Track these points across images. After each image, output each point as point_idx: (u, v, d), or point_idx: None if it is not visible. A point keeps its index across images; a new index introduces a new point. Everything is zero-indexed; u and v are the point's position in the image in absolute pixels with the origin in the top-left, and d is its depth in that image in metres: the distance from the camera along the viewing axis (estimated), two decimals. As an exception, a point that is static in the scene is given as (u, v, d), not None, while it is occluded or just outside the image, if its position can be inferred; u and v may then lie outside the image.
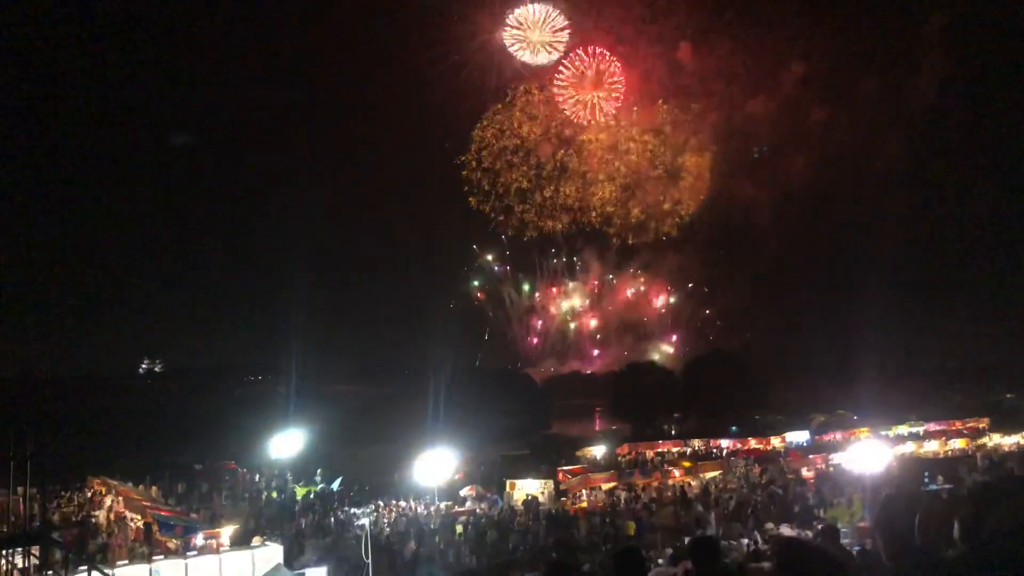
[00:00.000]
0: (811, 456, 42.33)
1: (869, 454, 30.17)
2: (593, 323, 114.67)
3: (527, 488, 36.36)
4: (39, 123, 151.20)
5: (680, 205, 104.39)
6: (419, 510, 32.75)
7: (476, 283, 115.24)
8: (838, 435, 48.17)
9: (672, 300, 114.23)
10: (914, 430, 49.03)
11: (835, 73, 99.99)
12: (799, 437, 50.25)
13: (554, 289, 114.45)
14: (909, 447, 43.82)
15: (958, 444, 45.46)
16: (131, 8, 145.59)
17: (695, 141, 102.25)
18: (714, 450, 48.95)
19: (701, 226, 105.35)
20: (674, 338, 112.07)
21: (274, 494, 36.90)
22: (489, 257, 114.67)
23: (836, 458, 39.86)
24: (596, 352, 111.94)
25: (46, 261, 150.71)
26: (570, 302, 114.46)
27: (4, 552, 10.09)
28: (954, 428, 49.25)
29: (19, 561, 9.86)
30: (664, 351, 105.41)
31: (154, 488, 36.41)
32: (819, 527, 18.80)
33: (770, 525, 26.57)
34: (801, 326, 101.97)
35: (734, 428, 56.45)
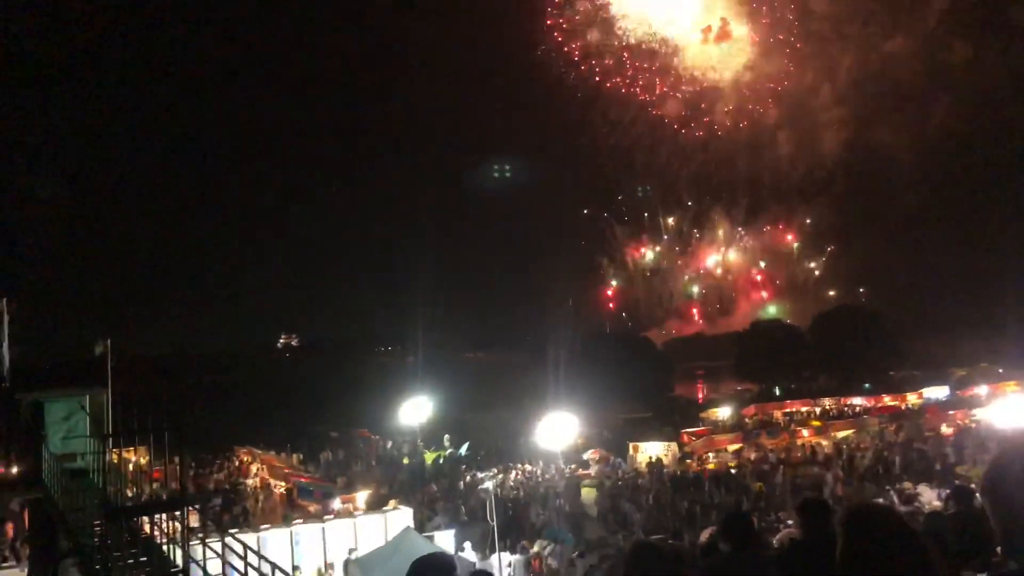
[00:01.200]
0: (951, 412, 40.17)
1: (1017, 409, 28.36)
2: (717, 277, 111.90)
3: (650, 450, 36.30)
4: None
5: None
6: (543, 473, 33.28)
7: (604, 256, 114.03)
8: (982, 389, 45.41)
9: (804, 255, 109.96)
10: (1068, 382, 45.67)
11: (979, 4, 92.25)
12: (938, 393, 47.72)
13: (677, 249, 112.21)
14: (1063, 401, 40.88)
15: (1117, 397, 42.04)
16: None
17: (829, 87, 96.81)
18: (846, 408, 47.22)
19: (836, 176, 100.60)
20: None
21: (405, 460, 38.32)
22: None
23: (979, 414, 37.68)
24: (718, 309, 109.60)
25: (186, 242, 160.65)
26: (694, 263, 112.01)
27: (155, 516, 11.03)
28: (1112, 380, 45.52)
29: (170, 526, 10.79)
30: (787, 308, 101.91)
31: (295, 456, 38.61)
32: (954, 487, 17.99)
33: (908, 484, 25.61)
34: (939, 276, 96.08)
35: (867, 385, 54.27)
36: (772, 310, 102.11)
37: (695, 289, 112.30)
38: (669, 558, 4.39)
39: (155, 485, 13.99)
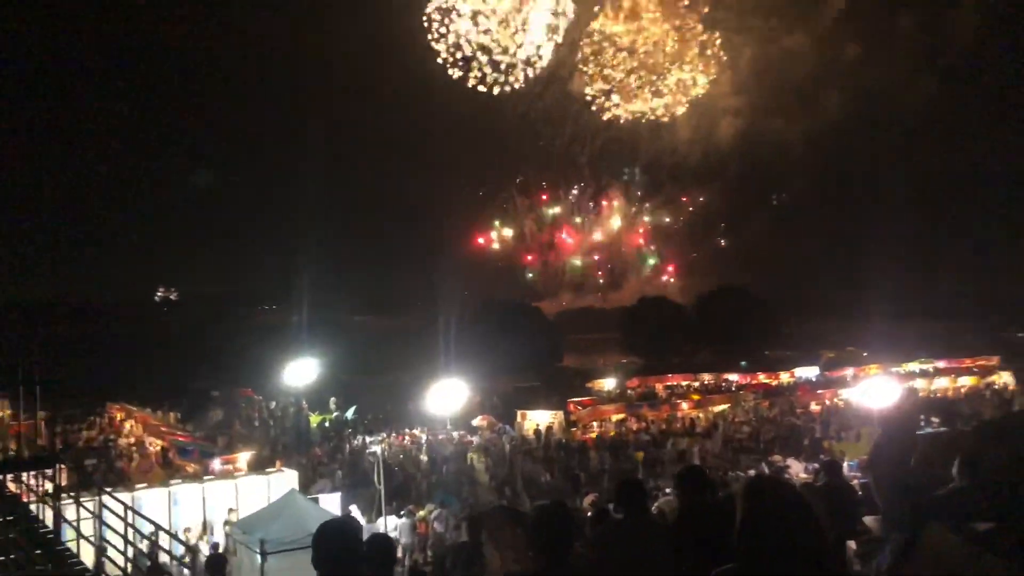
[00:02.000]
0: (820, 391, 42.57)
1: (878, 390, 30.30)
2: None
3: (537, 419, 36.84)
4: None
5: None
6: (431, 438, 33.28)
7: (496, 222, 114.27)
8: (848, 371, 48.27)
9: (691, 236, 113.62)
10: (924, 367, 49.05)
11: (874, 7, 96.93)
12: (809, 372, 50.45)
13: (577, 220, 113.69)
14: (919, 384, 43.89)
15: (968, 382, 45.48)
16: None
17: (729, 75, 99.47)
18: (724, 384, 49.26)
19: (729, 163, 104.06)
20: (669, 268, 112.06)
21: (289, 422, 37.51)
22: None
23: (845, 394, 40.08)
24: (605, 284, 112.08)
25: (61, 185, 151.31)
26: (588, 237, 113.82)
27: (23, 475, 10.34)
28: (964, 366, 49.18)
29: (34, 483, 10.13)
30: (675, 285, 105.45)
31: (172, 414, 37.11)
32: (822, 460, 19.09)
33: (777, 457, 27.01)
34: (813, 263, 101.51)
35: (744, 363, 56.69)
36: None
37: (577, 263, 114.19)
38: (567, 519, 4.40)
39: (14, 442, 13.15)
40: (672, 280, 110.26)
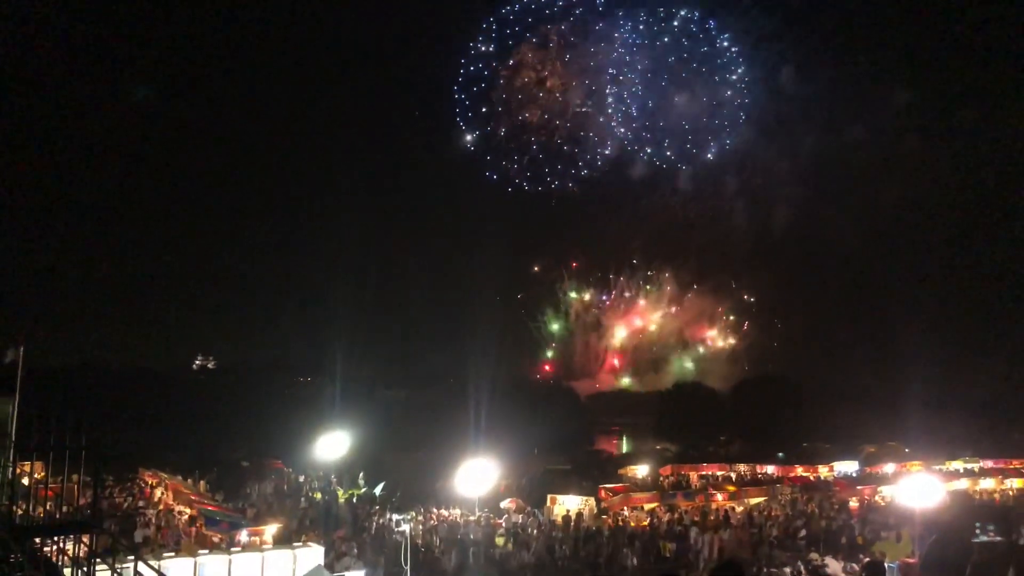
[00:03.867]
0: (859, 487, 41.36)
1: (920, 488, 29.29)
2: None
3: (568, 504, 36.23)
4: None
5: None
6: (460, 519, 32.84)
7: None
8: (889, 467, 46.95)
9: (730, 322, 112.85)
10: (969, 466, 47.57)
11: (934, 101, 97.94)
12: (848, 467, 49.18)
13: (622, 307, 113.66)
14: (963, 484, 42.49)
15: (1016, 484, 43.93)
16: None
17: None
18: (760, 475, 48.14)
19: (778, 250, 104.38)
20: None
21: (318, 495, 37.34)
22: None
23: (886, 490, 38.90)
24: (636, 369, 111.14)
25: (107, 254, 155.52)
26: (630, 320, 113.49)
27: (55, 538, 10.43)
28: (1011, 467, 47.61)
29: (68, 547, 10.20)
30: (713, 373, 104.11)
31: (202, 483, 37.22)
32: (865, 560, 18.48)
33: (814, 555, 26.13)
34: (854, 354, 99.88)
35: (781, 454, 55.49)
36: (689, 365, 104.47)
37: (618, 342, 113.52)
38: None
39: (48, 504, 13.25)
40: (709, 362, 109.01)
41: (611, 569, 26.96)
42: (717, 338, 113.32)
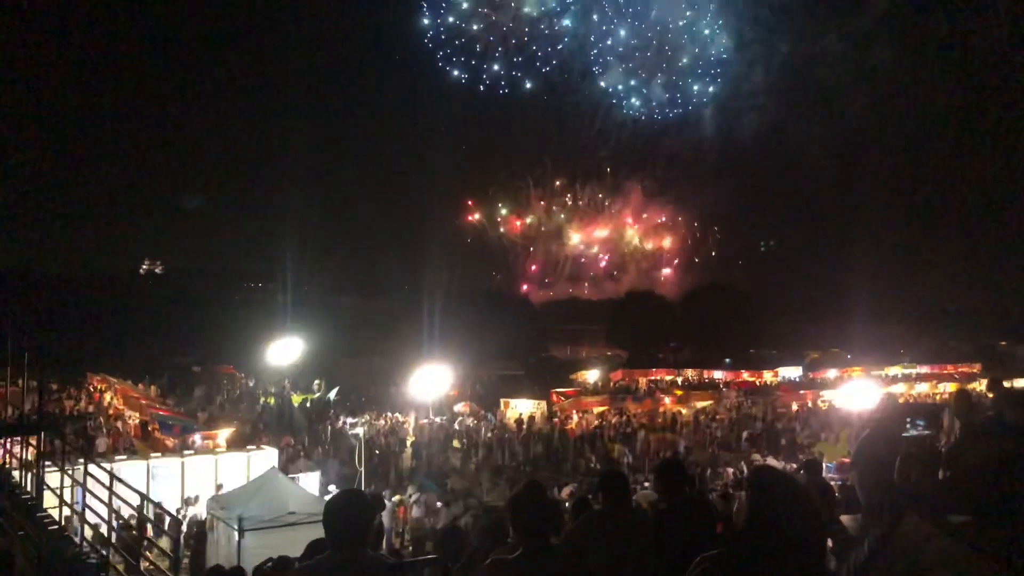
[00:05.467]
0: (803, 392, 42.88)
1: (860, 393, 30.49)
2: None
3: (520, 408, 36.96)
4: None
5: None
6: (413, 423, 33.33)
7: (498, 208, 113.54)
8: (831, 373, 48.63)
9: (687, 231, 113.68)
10: (906, 372, 49.51)
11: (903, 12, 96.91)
12: (792, 372, 50.84)
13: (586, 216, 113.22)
14: (900, 388, 44.30)
15: (949, 388, 45.95)
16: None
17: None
18: (707, 380, 49.54)
19: (744, 160, 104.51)
20: (667, 270, 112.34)
21: (271, 400, 37.45)
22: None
23: (827, 395, 40.38)
24: (595, 277, 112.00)
25: (49, 155, 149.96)
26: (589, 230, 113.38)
27: (3, 440, 10.30)
28: (946, 372, 49.67)
29: (17, 451, 10.08)
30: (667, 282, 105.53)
31: (153, 387, 36.95)
32: (803, 459, 19.27)
33: (756, 456, 27.22)
34: (799, 263, 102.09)
35: (728, 360, 56.99)
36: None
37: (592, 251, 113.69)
38: (546, 502, 4.42)
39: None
40: (665, 276, 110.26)
41: (562, 468, 27.77)
42: (671, 247, 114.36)
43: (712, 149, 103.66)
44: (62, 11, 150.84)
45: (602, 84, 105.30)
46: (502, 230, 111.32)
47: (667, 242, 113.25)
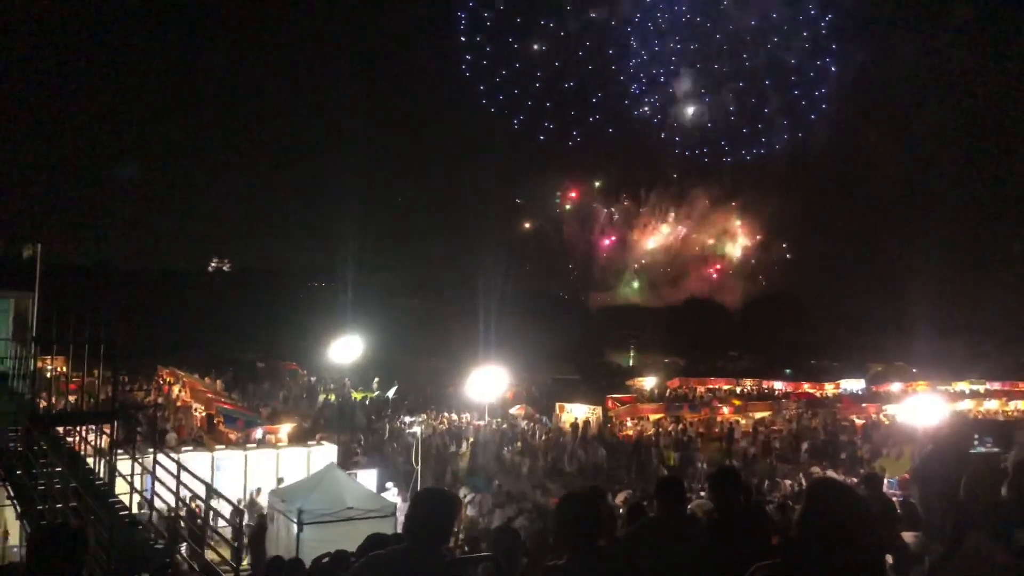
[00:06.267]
0: (864, 405, 41.84)
1: (925, 408, 29.63)
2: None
3: (575, 412, 36.90)
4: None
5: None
6: (470, 424, 33.57)
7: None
8: (895, 386, 47.33)
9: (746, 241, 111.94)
10: (974, 387, 47.88)
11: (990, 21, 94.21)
12: (854, 385, 49.59)
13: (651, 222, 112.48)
14: (967, 405, 42.88)
15: (1020, 406, 44.31)
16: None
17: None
18: (766, 391, 48.70)
19: (811, 168, 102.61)
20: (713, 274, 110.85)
21: (332, 397, 38.15)
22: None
23: (890, 409, 39.34)
24: (656, 283, 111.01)
25: (128, 157, 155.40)
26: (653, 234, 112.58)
27: (77, 428, 10.76)
28: (1017, 389, 47.88)
29: (92, 438, 10.52)
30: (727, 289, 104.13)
31: (219, 382, 38.06)
32: (863, 473, 18.83)
33: (816, 469, 26.67)
34: (867, 275, 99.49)
35: (788, 371, 55.95)
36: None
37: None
38: (596, 510, 4.45)
39: (71, 397, 13.60)
40: (726, 285, 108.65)
41: (617, 475, 27.62)
42: (734, 255, 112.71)
43: (781, 157, 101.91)
44: (138, 13, 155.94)
45: (670, 90, 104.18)
46: (563, 235, 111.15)
47: (730, 248, 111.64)
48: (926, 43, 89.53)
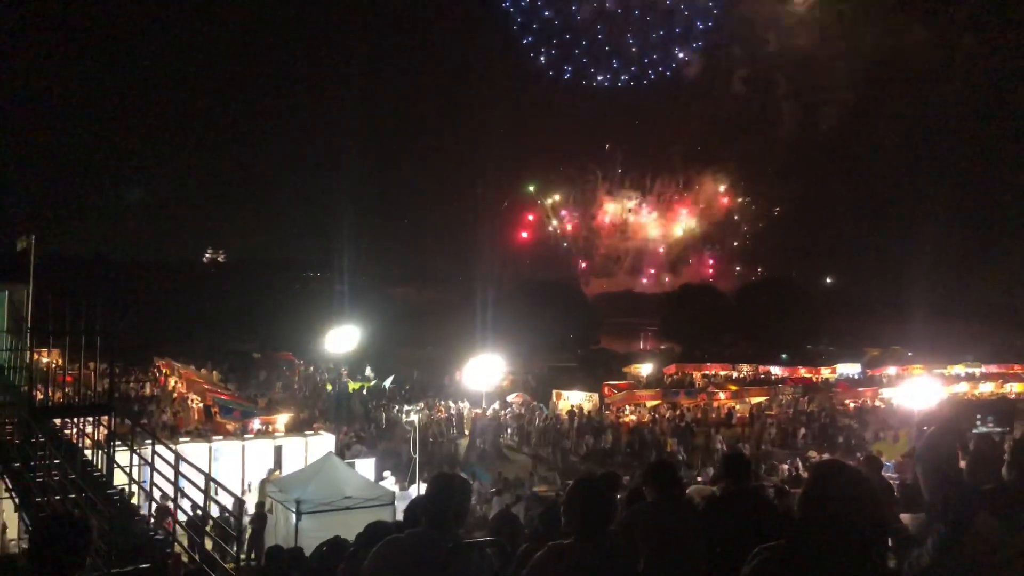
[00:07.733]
0: (861, 389, 41.96)
1: (921, 391, 29.71)
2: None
3: (572, 399, 36.93)
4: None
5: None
6: (467, 412, 33.59)
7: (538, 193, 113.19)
8: (891, 370, 47.45)
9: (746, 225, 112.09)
10: (970, 370, 48.03)
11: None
12: (850, 369, 49.71)
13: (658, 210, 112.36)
14: (963, 388, 43.00)
15: (1016, 388, 44.44)
16: None
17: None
18: (763, 376, 48.76)
19: (815, 156, 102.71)
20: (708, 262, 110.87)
21: (329, 387, 38.15)
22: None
23: (887, 393, 39.46)
24: (652, 271, 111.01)
25: (123, 148, 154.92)
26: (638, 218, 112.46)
27: (75, 420, 10.73)
28: (1012, 372, 48.05)
29: (88, 430, 10.50)
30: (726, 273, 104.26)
31: (215, 372, 38.02)
32: (860, 457, 18.89)
33: (812, 453, 26.78)
34: (859, 258, 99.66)
35: (784, 356, 56.06)
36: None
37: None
38: (606, 493, 4.45)
39: (67, 389, 13.54)
40: (722, 270, 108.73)
41: (615, 460, 27.67)
42: (731, 240, 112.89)
43: (782, 144, 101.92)
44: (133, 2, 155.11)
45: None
46: (557, 223, 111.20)
47: (725, 234, 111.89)
48: (933, 27, 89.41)
